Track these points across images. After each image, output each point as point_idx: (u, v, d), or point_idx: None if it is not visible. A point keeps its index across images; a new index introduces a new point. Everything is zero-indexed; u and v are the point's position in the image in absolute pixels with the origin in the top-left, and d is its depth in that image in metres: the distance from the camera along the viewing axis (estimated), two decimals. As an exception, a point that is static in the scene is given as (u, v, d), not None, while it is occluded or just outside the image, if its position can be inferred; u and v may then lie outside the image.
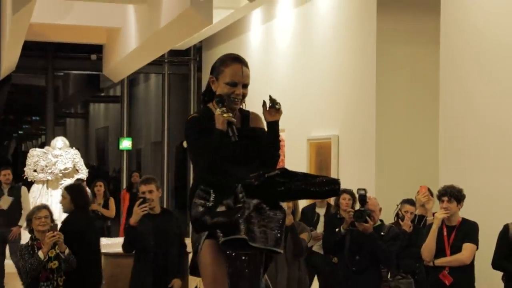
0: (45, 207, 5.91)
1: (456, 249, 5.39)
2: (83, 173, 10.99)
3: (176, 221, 5.67)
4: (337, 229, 5.83)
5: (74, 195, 6.04)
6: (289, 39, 10.30)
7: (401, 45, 8.08)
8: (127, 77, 15.24)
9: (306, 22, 9.79)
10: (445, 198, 5.39)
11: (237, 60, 3.27)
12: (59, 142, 11.15)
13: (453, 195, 5.38)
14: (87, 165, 11.64)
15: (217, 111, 3.17)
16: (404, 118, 8.09)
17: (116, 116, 19.51)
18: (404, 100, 8.09)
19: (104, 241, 7.40)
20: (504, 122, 6.04)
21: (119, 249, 5.87)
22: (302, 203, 7.08)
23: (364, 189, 5.64)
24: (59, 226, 5.82)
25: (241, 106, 3.32)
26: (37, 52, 15.10)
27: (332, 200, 7.09)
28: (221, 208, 3.10)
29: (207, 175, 3.18)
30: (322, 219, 7.23)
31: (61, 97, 25.49)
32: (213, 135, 3.14)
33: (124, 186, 14.07)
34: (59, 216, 8.07)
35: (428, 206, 6.23)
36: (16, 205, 9.51)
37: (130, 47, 11.00)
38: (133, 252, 5.58)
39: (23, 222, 8.35)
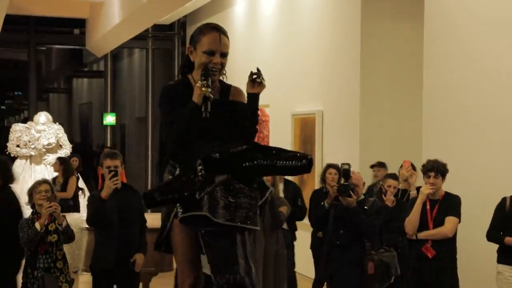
0: (45, 181, 5.85)
1: (439, 223, 5.44)
2: (67, 148, 10.95)
3: (138, 196, 5.68)
4: (322, 203, 5.87)
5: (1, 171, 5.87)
6: (274, 14, 10.26)
7: (385, 21, 8.09)
8: (111, 51, 15.14)
9: (290, -4, 9.75)
10: (432, 174, 5.43)
11: (215, 29, 3.16)
12: (42, 117, 11.08)
13: (440, 170, 5.42)
14: (70, 140, 11.59)
15: (198, 83, 3.04)
16: (388, 93, 8.12)
17: (99, 91, 19.39)
18: (388, 75, 8.12)
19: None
20: (486, 97, 6.08)
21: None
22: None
23: (348, 164, 5.66)
24: None
25: (222, 78, 3.21)
26: (19, 26, 14.95)
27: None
28: (176, 184, 2.98)
29: (174, 149, 3.08)
30: None
31: (44, 71, 25.28)
32: (186, 107, 3.02)
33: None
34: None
35: (411, 181, 6.28)
36: None
37: (113, 22, 10.91)
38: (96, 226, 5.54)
39: None
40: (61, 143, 10.95)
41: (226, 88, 3.22)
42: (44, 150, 10.78)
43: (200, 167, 2.94)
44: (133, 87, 18.45)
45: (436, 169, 5.43)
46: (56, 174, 9.51)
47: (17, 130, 10.90)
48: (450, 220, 5.42)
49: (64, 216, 5.64)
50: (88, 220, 5.51)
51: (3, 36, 12.48)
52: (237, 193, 2.96)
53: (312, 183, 8.31)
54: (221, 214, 2.91)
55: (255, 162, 2.94)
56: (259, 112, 3.19)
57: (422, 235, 5.46)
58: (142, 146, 15.60)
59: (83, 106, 25.22)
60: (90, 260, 5.63)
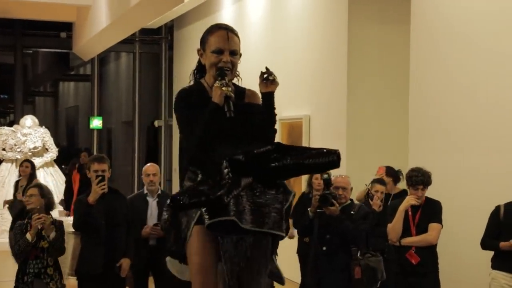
0: (36, 185, 5.77)
1: (422, 229, 5.46)
2: (53, 152, 10.90)
3: (125, 201, 5.66)
4: (306, 211, 5.86)
5: None
6: (261, 18, 10.27)
7: (372, 26, 8.11)
8: (98, 55, 15.09)
9: (278, 1, 9.77)
10: (420, 187, 5.45)
11: (222, 27, 3.06)
12: (28, 120, 11.04)
13: (428, 183, 5.46)
14: (56, 144, 11.54)
15: (216, 83, 2.91)
16: (374, 98, 8.14)
17: (86, 95, 19.33)
18: (375, 80, 8.15)
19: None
20: (473, 101, 6.11)
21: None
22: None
23: (327, 173, 5.69)
24: None
25: (237, 81, 3.11)
26: (5, 29, 14.88)
27: None
28: (203, 187, 2.82)
29: (195, 153, 2.92)
30: None
31: (30, 75, 25.15)
32: (206, 109, 2.88)
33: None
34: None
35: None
36: None
37: (100, 25, 10.88)
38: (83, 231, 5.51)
39: None
40: (47, 147, 10.91)
41: (241, 91, 3.12)
42: (30, 153, 10.73)
43: (227, 169, 2.79)
44: (120, 91, 18.40)
45: (425, 183, 5.46)
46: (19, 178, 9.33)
47: (3, 134, 10.86)
48: (434, 227, 5.44)
49: (57, 228, 5.49)
50: (74, 225, 5.48)
51: (-11, 39, 12.43)
52: (263, 197, 2.82)
53: (299, 188, 8.31)
54: (248, 220, 2.77)
55: (283, 162, 2.82)
56: (276, 112, 3.10)
57: (406, 241, 5.47)
58: (129, 150, 15.55)
59: (69, 109, 25.12)
60: (76, 265, 5.60)
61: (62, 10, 12.72)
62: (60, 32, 14.94)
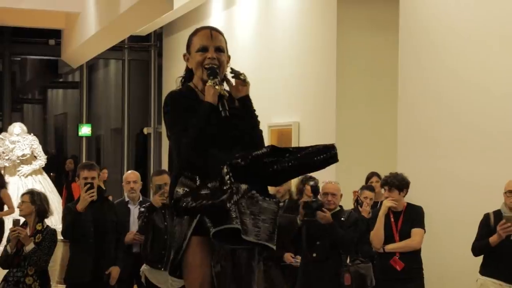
0: (28, 192, 5.69)
1: (405, 234, 5.45)
2: (41, 160, 10.85)
3: (113, 208, 5.64)
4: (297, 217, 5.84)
5: None
6: (250, 26, 10.29)
7: (361, 32, 8.15)
8: (86, 62, 15.06)
9: (267, 8, 9.79)
10: (386, 187, 5.47)
11: (205, 27, 2.99)
12: (17, 128, 10.98)
13: (393, 184, 5.45)
14: (45, 151, 11.48)
15: (209, 82, 2.80)
16: (364, 105, 8.17)
17: (75, 102, 19.26)
18: (364, 87, 8.18)
19: None
20: (461, 107, 6.14)
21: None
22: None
23: (313, 180, 5.69)
24: None
25: (227, 83, 2.96)
26: (-7, 37, 14.81)
27: None
28: (205, 191, 2.69)
29: (191, 157, 2.76)
30: None
31: (19, 82, 25.03)
32: (200, 109, 2.77)
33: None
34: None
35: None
36: None
37: (89, 32, 10.86)
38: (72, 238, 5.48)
39: None
40: (35, 154, 10.85)
41: (230, 93, 2.95)
42: (18, 161, 10.68)
43: (229, 175, 2.66)
44: (109, 98, 18.35)
45: (390, 183, 5.45)
46: None
47: (-9, 141, 10.79)
48: (416, 232, 5.43)
49: (43, 238, 5.38)
50: (63, 233, 5.45)
51: (-23, 46, 12.37)
52: (260, 206, 2.70)
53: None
54: (250, 231, 2.65)
55: (283, 164, 2.72)
56: (256, 113, 2.97)
57: (390, 247, 5.47)
58: (118, 158, 15.50)
59: (58, 117, 25.02)
60: (65, 272, 5.57)
61: (51, 17, 12.69)
62: (48, 39, 14.88)
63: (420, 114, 6.66)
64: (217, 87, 2.80)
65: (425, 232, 5.49)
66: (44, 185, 10.84)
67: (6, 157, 10.69)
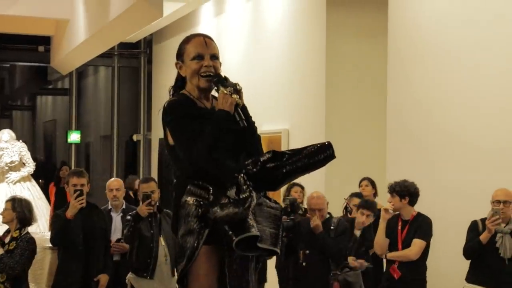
0: (10, 199, 5.66)
1: (408, 244, 5.43)
2: (30, 167, 10.80)
3: (103, 216, 5.63)
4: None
5: None
6: (240, 33, 10.30)
7: (350, 40, 8.17)
8: (76, 69, 15.03)
9: (256, 16, 9.82)
10: (396, 197, 5.46)
11: (198, 35, 2.98)
12: (5, 134, 10.92)
13: (394, 190, 5.46)
14: (34, 158, 11.43)
15: (223, 90, 2.79)
16: (353, 112, 8.19)
17: (64, 109, 19.21)
18: (353, 94, 8.20)
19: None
20: (450, 114, 6.17)
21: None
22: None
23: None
24: None
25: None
26: (-18, 43, 14.76)
27: None
28: (225, 200, 2.68)
29: (205, 166, 2.73)
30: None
31: (7, 89, 24.94)
32: (215, 117, 2.75)
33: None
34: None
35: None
36: None
37: (79, 39, 10.84)
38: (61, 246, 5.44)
39: None
40: (24, 161, 10.79)
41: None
42: (6, 168, 10.62)
43: (247, 184, 2.70)
44: (98, 105, 18.31)
45: (392, 189, 5.45)
46: None
47: (-21, 148, 10.72)
48: (416, 243, 5.39)
49: (16, 245, 5.32)
50: (52, 240, 5.43)
51: (-35, 52, 12.32)
52: (266, 212, 2.74)
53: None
54: (265, 239, 2.67)
55: (290, 167, 2.79)
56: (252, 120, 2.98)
57: (390, 255, 5.47)
58: (107, 165, 15.45)
59: (47, 123, 24.93)
60: (53, 280, 5.54)
61: (40, 24, 12.65)
62: (38, 45, 14.85)
63: (409, 121, 6.69)
64: (234, 95, 2.82)
65: (428, 244, 5.43)
66: (33, 192, 10.78)
67: (-6, 164, 10.63)
